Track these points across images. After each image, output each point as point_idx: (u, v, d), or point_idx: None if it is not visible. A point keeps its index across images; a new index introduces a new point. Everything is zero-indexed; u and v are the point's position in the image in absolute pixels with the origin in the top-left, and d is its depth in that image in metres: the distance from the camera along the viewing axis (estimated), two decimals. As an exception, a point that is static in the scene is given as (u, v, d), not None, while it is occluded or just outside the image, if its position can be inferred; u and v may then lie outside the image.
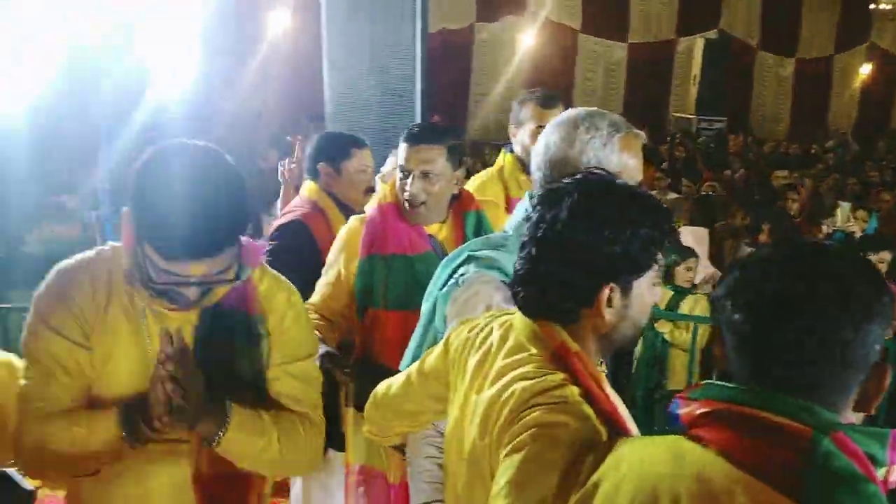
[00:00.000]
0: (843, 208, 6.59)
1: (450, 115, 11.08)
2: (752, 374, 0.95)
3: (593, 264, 1.17)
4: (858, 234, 5.59)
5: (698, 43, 12.79)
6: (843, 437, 0.87)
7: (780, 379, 0.92)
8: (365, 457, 2.36)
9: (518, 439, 1.07)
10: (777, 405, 0.91)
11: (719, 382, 0.99)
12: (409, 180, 2.26)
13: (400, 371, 1.66)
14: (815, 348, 0.90)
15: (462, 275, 1.59)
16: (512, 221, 1.72)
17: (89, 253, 1.48)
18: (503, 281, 1.53)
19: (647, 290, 1.22)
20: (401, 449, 1.89)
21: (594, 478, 0.99)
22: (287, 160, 3.14)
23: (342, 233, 2.41)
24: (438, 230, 2.34)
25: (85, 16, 4.53)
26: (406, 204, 2.27)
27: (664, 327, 4.04)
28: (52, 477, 1.56)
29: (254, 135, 8.03)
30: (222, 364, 1.45)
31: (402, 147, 2.29)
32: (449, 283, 1.62)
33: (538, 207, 1.24)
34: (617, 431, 1.09)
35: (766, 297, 0.93)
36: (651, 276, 1.21)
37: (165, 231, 1.28)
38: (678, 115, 13.17)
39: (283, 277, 1.60)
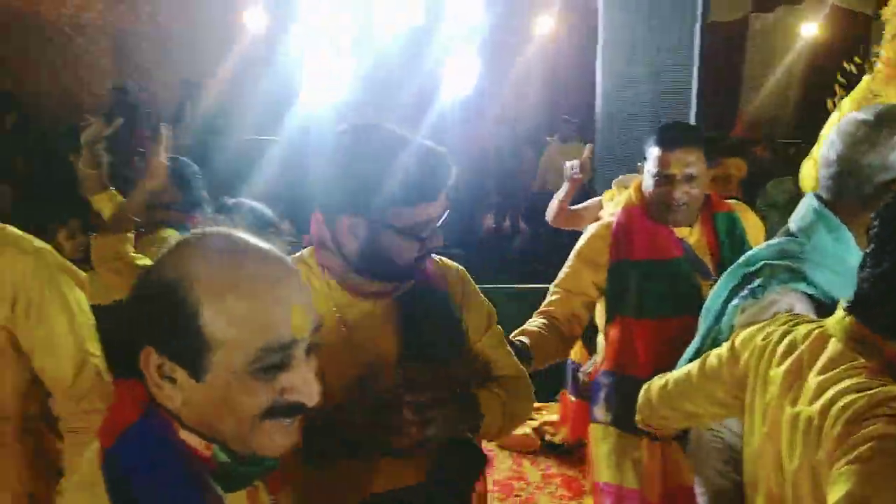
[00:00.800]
0: None
1: (719, 112, 10.57)
2: None
3: None
4: None
5: None
6: None
7: None
8: (613, 474, 2.26)
9: (857, 451, 1.00)
10: None
11: None
12: (671, 186, 2.17)
13: None
14: None
15: (760, 286, 1.52)
16: (798, 223, 1.60)
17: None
18: (807, 293, 1.47)
19: None
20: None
21: None
22: (576, 162, 3.12)
23: (584, 239, 2.35)
24: (689, 233, 2.25)
25: (385, 26, 5.03)
26: (663, 207, 2.21)
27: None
28: None
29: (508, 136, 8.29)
30: (433, 344, 1.45)
31: (657, 150, 2.19)
32: (741, 293, 1.55)
33: None
34: None
35: None
36: None
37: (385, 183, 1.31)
38: None
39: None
